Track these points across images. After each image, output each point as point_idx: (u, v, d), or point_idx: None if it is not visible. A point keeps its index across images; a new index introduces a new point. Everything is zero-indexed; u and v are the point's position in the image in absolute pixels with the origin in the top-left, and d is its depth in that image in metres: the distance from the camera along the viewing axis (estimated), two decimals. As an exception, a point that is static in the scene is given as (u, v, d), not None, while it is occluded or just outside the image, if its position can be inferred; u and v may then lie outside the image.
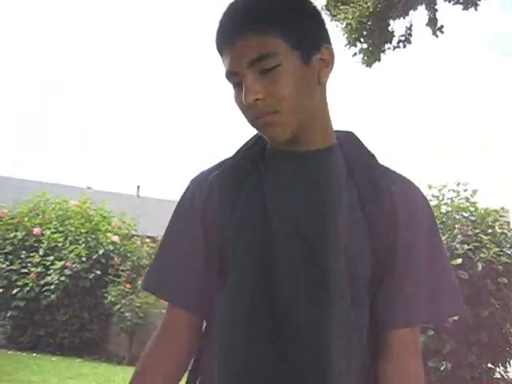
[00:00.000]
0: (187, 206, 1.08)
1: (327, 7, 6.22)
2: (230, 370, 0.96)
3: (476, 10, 5.82)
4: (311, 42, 1.00)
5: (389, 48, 6.31)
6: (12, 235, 8.16)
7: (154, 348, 1.05)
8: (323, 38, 1.03)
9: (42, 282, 7.67)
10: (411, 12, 6.03)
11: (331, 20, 6.09)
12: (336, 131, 1.08)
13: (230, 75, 0.99)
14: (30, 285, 7.69)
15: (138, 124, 48.51)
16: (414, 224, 0.98)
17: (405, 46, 6.20)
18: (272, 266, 0.95)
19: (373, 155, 1.05)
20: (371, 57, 6.25)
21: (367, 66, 6.47)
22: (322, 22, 1.05)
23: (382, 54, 6.41)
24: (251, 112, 0.98)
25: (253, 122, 1.00)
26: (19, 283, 7.74)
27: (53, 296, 7.55)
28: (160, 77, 47.78)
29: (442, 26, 6.13)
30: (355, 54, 6.29)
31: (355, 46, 6.21)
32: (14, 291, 7.73)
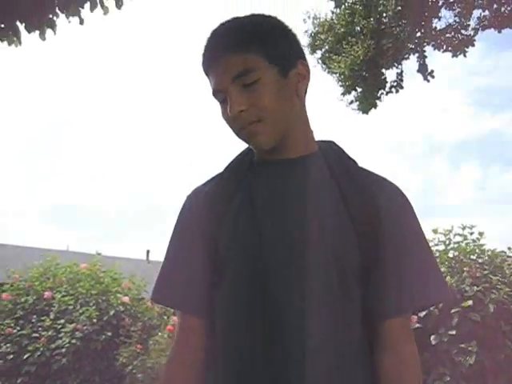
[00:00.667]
0: (186, 220, 1.17)
1: (323, 61, 6.48)
2: (229, 365, 1.00)
3: (465, 56, 6.04)
4: (288, 58, 1.11)
5: (382, 93, 6.53)
6: (23, 300, 8.17)
7: (174, 356, 1.13)
8: (299, 54, 1.15)
9: (53, 346, 7.60)
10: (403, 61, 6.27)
11: (327, 73, 6.36)
12: (318, 141, 1.17)
13: (216, 92, 1.10)
14: (41, 349, 7.62)
15: (145, 189, 49.01)
16: (394, 218, 1.05)
17: (397, 91, 6.41)
18: (263, 270, 1.01)
19: (353, 160, 1.15)
20: (366, 103, 6.46)
21: (363, 112, 6.67)
22: (297, 41, 1.17)
23: (377, 101, 6.62)
24: (236, 123, 1.08)
25: (238, 133, 1.10)
26: (30, 348, 7.67)
27: (64, 360, 7.46)
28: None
29: (432, 71, 6.35)
30: (351, 101, 6.52)
31: (349, 93, 6.44)
32: (25, 356, 7.64)
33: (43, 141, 44.03)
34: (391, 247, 1.04)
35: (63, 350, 7.50)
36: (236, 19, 1.14)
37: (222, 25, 1.13)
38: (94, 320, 7.63)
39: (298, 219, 1.03)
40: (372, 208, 1.04)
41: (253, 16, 1.15)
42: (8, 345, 7.96)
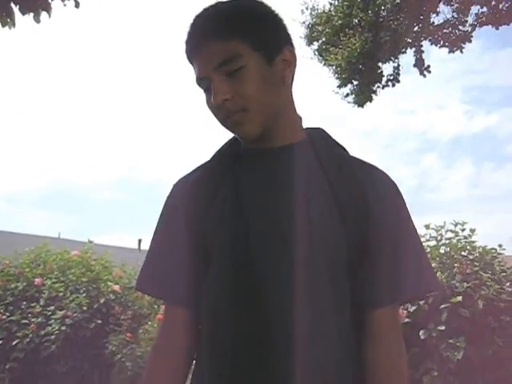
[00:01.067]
0: (171, 209, 1.15)
1: (319, 53, 6.47)
2: (214, 354, 1.00)
3: (462, 52, 6.04)
4: (273, 43, 1.08)
5: (378, 87, 6.52)
6: (13, 286, 8.15)
7: (158, 345, 1.13)
8: (285, 40, 1.11)
9: (43, 333, 7.60)
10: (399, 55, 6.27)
11: (324, 65, 6.34)
12: (306, 128, 1.14)
13: (200, 80, 1.08)
14: (31, 335, 7.61)
15: (138, 178, 48.95)
16: (383, 206, 1.04)
17: (393, 85, 6.41)
18: (248, 260, 0.99)
19: (342, 146, 1.13)
20: (361, 96, 6.45)
21: (359, 106, 6.66)
22: (284, 26, 1.13)
23: (373, 95, 6.62)
24: (221, 112, 1.05)
25: (223, 122, 1.08)
26: (19, 334, 7.66)
27: (53, 346, 7.46)
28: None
29: (428, 66, 6.35)
30: (347, 94, 6.50)
31: (345, 86, 6.42)
32: (14, 342, 7.64)
33: (36, 126, 43.83)
34: (382, 236, 1.03)
35: (53, 337, 7.49)
36: (219, 4, 1.10)
37: (205, 10, 1.10)
38: (84, 307, 7.62)
39: (284, 208, 1.02)
40: (360, 196, 1.02)
41: (237, 0, 1.10)
42: (-3, 330, 7.98)
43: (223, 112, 1.05)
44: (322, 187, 1.03)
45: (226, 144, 1.17)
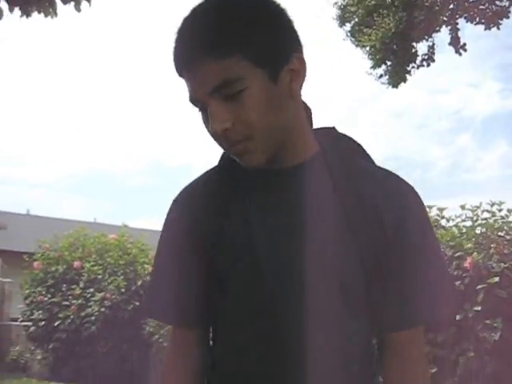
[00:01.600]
0: (176, 224, 1.04)
1: (352, 34, 6.40)
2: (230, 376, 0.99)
3: (498, 28, 5.90)
4: (279, 55, 0.90)
5: (413, 67, 6.41)
6: (53, 269, 8.42)
7: (170, 366, 1.07)
8: (292, 46, 0.93)
9: (83, 314, 7.83)
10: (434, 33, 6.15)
11: (357, 46, 6.27)
12: (317, 131, 1.03)
13: (193, 101, 0.92)
14: (71, 317, 7.87)
15: (172, 163, 49.38)
16: (403, 228, 0.94)
17: (428, 65, 6.29)
18: (262, 285, 0.94)
19: (357, 150, 1.03)
20: (396, 77, 6.35)
21: (393, 86, 6.58)
22: (292, 29, 0.94)
23: (407, 75, 6.52)
24: (222, 142, 0.92)
25: (225, 149, 0.96)
26: (61, 315, 7.94)
27: (93, 327, 7.69)
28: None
29: (464, 44, 6.21)
30: (381, 75, 6.41)
31: (379, 66, 6.34)
32: (56, 323, 7.92)
33: (71, 114, 44.60)
34: (397, 260, 0.94)
35: (92, 318, 7.73)
36: (209, 6, 0.90)
37: (193, 14, 0.91)
38: (122, 290, 7.80)
39: (297, 234, 0.94)
40: (375, 220, 0.93)
41: (230, 1, 0.90)
42: (40, 312, 8.26)
43: (225, 142, 0.91)
44: (335, 210, 0.94)
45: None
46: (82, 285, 8.10)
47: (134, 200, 44.02)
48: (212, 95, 0.88)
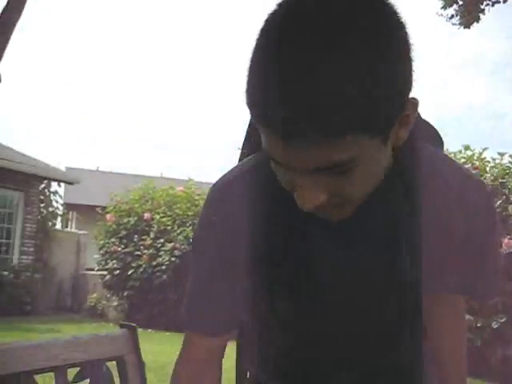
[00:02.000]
0: (216, 224, 0.90)
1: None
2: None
3: None
4: (395, 111, 0.69)
5: (487, 4, 5.98)
6: (125, 220, 8.76)
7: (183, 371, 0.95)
8: (410, 89, 0.70)
9: (154, 263, 8.14)
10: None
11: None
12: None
13: (276, 163, 0.72)
14: (144, 266, 8.20)
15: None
16: (471, 234, 0.88)
17: (505, 1, 5.84)
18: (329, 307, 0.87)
19: (433, 139, 0.94)
20: (468, 17, 5.97)
21: (465, 27, 6.21)
22: (410, 64, 0.69)
23: (480, 14, 6.12)
24: (308, 209, 0.74)
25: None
26: (133, 265, 8.29)
27: (164, 276, 7.99)
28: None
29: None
30: (452, 16, 6.06)
31: (451, 6, 5.98)
32: (129, 272, 8.28)
33: (144, 73, 45.13)
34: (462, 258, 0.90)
35: (163, 267, 8.04)
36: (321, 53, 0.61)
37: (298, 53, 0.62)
38: (191, 239, 7.98)
39: (371, 267, 0.86)
40: (446, 235, 0.87)
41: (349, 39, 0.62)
42: (114, 261, 8.67)
43: (312, 209, 0.74)
44: (413, 233, 0.85)
45: None
46: (152, 235, 8.39)
47: (199, 153, 44.66)
48: (312, 174, 0.69)
